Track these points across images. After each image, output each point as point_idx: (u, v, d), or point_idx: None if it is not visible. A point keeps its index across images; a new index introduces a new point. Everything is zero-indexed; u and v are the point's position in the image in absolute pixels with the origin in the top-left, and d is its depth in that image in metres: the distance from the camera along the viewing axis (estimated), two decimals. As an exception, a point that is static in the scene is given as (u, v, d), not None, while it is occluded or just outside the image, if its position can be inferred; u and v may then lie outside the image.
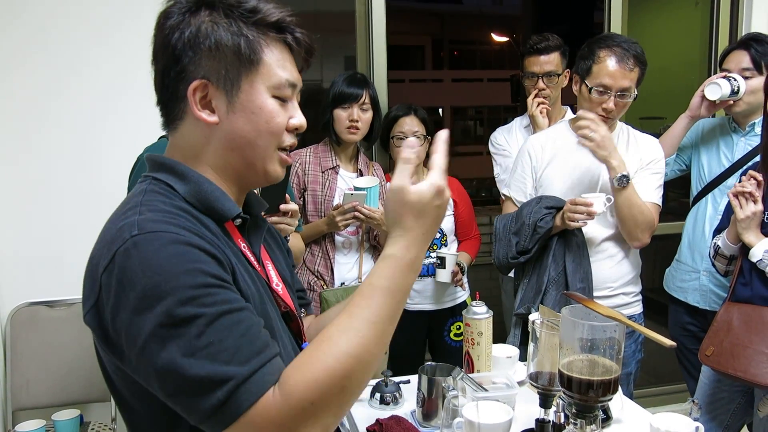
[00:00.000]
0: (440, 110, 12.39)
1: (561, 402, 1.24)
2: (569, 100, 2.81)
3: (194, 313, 0.79)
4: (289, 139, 0.99)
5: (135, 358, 0.81)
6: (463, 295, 2.71)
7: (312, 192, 2.43)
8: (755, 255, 1.96)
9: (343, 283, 2.42)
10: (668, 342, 1.07)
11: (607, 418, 1.51)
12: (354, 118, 2.40)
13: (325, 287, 2.39)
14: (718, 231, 2.19)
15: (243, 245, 1.01)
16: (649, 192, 2.19)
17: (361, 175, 2.50)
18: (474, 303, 1.73)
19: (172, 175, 0.95)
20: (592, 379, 1.05)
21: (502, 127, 2.85)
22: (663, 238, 3.01)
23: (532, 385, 1.39)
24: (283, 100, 0.97)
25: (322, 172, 2.45)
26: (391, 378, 1.72)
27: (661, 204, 2.26)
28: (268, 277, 1.06)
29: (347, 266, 2.45)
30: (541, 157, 2.25)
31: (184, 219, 0.88)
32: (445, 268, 2.52)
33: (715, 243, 2.16)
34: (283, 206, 1.76)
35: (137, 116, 2.32)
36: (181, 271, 0.80)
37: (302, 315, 1.20)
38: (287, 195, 1.80)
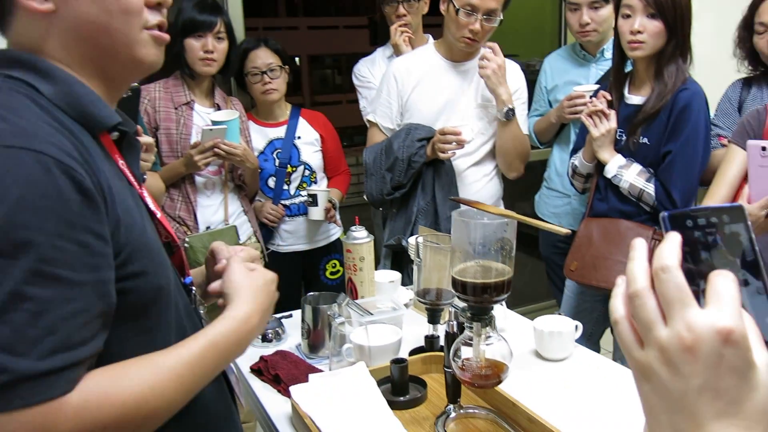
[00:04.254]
0: (297, 59, 12.05)
1: (453, 310, 1.22)
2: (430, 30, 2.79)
3: (25, 259, 0.64)
4: (154, 18, 0.83)
5: None
6: (336, 232, 2.64)
7: (165, 130, 2.21)
8: (610, 171, 2.06)
9: (208, 227, 2.26)
10: (564, 230, 1.08)
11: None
12: (209, 49, 2.20)
13: (189, 233, 2.22)
14: (574, 151, 2.28)
15: (121, 162, 0.86)
16: (519, 123, 2.24)
17: (219, 110, 2.32)
18: (354, 228, 1.67)
19: (33, 72, 0.77)
20: (487, 281, 1.03)
21: (365, 59, 2.78)
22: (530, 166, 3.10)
23: (419, 301, 1.36)
24: None
25: (175, 109, 2.23)
26: (272, 314, 1.61)
27: (528, 133, 2.35)
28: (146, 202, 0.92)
29: (211, 209, 2.28)
30: (407, 80, 2.21)
31: (54, 130, 0.72)
32: (317, 205, 2.43)
33: (572, 163, 2.25)
34: None
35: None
36: (35, 208, 0.65)
37: None
38: (139, 126, 1.61)
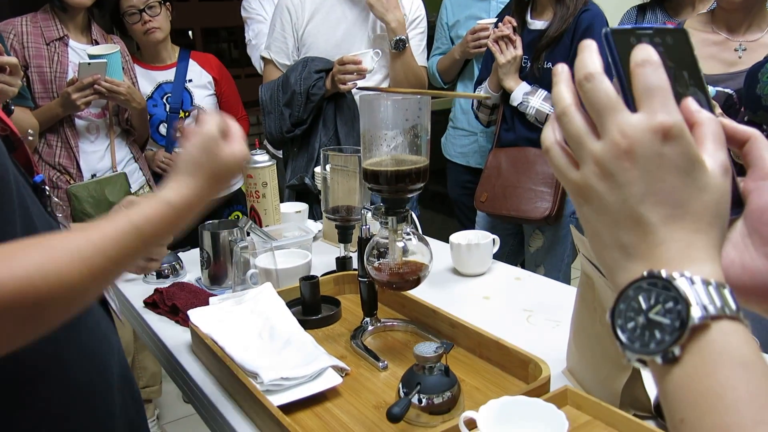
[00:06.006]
0: (190, 33, 11.44)
1: (365, 213, 1.13)
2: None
3: None
4: None
5: None
6: (238, 181, 2.48)
7: (37, 68, 1.97)
8: (516, 99, 2.02)
9: (94, 175, 2.04)
10: (484, 95, 1.01)
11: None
12: None
13: (72, 182, 2.00)
14: (479, 82, 2.23)
15: None
16: (416, 54, 2.16)
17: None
18: (254, 151, 1.53)
19: None
20: (402, 168, 0.94)
21: (255, -8, 2.61)
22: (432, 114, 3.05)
23: (328, 218, 1.27)
24: None
25: (47, 45, 1.99)
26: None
27: (427, 66, 2.26)
28: None
29: (97, 155, 2.07)
30: (301, 12, 2.09)
31: None
32: (214, 151, 2.26)
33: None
34: None
35: None
36: None
37: None
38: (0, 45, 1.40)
